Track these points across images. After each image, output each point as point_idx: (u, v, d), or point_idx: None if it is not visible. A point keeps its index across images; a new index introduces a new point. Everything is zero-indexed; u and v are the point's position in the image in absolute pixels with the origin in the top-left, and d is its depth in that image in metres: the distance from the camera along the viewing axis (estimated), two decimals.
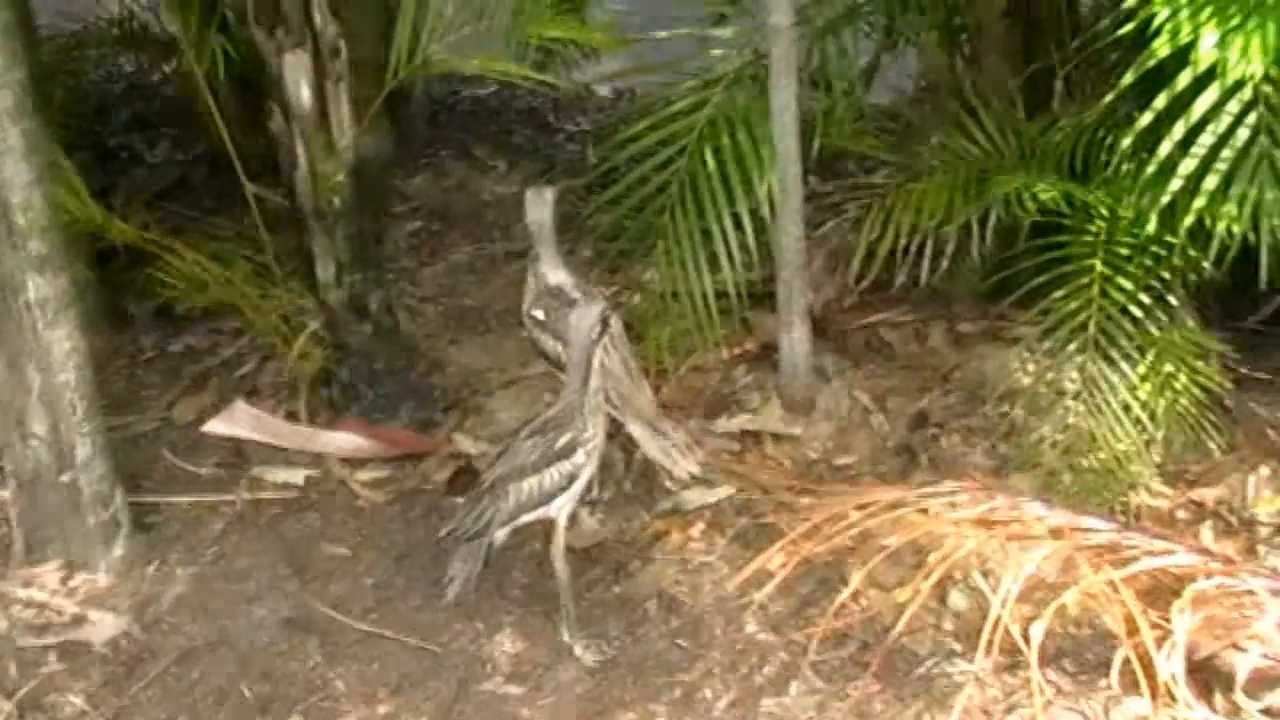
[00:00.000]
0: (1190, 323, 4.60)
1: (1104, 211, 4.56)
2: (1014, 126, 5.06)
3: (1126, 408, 4.52)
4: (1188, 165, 4.06)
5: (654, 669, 3.86)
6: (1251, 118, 4.04)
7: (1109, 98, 4.37)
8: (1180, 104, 4.08)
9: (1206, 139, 4.01)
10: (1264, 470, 4.59)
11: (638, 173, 4.75)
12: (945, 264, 4.91)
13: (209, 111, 5.02)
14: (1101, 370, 4.54)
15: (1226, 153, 4.04)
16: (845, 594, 3.87)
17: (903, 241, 4.90)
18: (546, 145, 6.77)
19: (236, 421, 4.57)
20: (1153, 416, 4.46)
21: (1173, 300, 4.54)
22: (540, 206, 4.20)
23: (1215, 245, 4.22)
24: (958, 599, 4.13)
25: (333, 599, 4.03)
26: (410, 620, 3.97)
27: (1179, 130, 4.01)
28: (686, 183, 4.68)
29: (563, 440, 3.67)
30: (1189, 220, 4.17)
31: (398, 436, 4.58)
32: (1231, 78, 3.95)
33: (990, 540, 4.06)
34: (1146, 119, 4.04)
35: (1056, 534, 3.61)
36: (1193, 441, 4.55)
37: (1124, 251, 4.50)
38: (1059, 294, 4.51)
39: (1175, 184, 4.08)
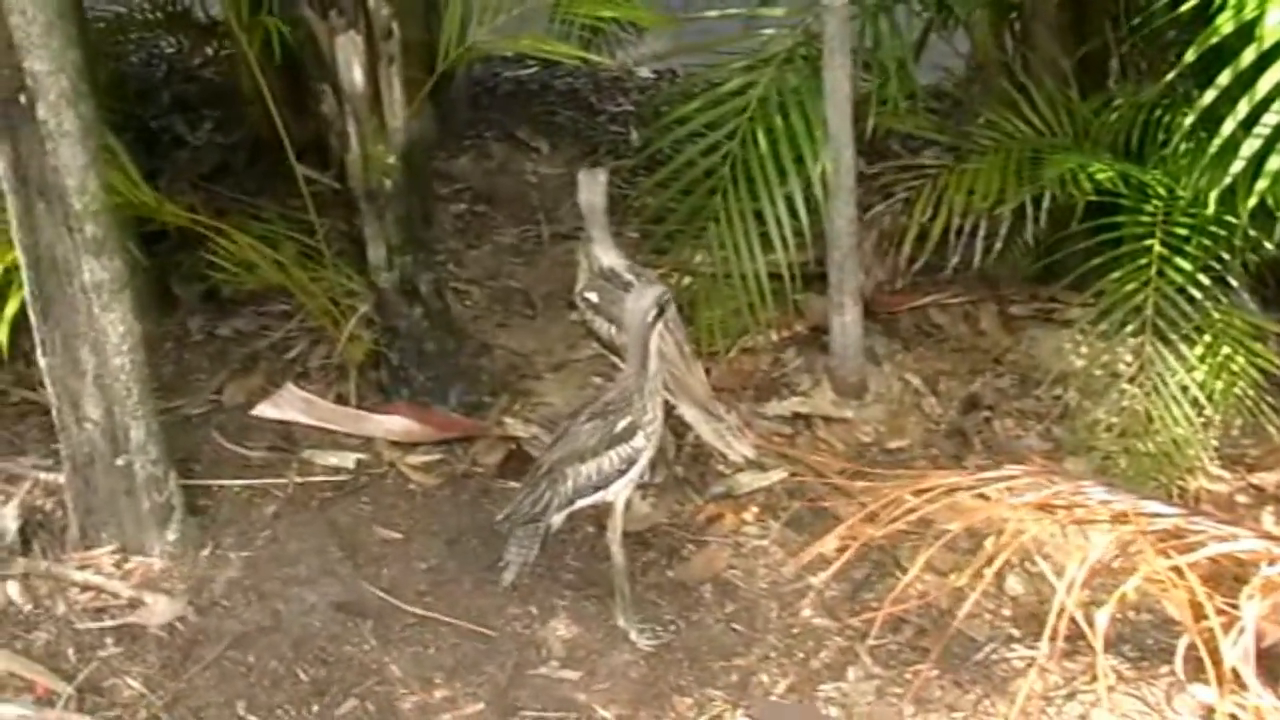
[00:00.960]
0: (1250, 304, 4.55)
1: (1161, 191, 4.51)
2: (1067, 106, 5.01)
3: (1184, 389, 4.47)
4: (1251, 145, 3.98)
5: (709, 654, 3.84)
6: None
7: (1169, 76, 4.32)
8: (1243, 82, 4.02)
9: (1271, 118, 3.93)
10: None
11: (687, 154, 4.71)
12: (998, 246, 4.86)
13: (253, 94, 5.02)
14: (1158, 351, 4.50)
15: None
16: (906, 579, 3.85)
17: (955, 223, 4.85)
18: (589, 127, 6.73)
19: (286, 405, 4.56)
20: (1210, 399, 4.41)
21: (1232, 281, 4.50)
22: (593, 188, 4.17)
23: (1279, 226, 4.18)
24: (1015, 584, 4.10)
25: (386, 583, 4.01)
26: (464, 604, 3.95)
27: (1243, 109, 3.93)
28: (738, 163, 4.64)
29: (622, 424, 3.64)
30: (1252, 201, 4.11)
31: (448, 420, 4.56)
32: None
33: (1049, 525, 4.03)
34: (1209, 97, 3.96)
35: (1119, 519, 3.56)
36: (1251, 425, 4.51)
37: (1182, 232, 4.45)
38: (1115, 275, 4.46)
39: (1237, 164, 3.99)
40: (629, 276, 4.23)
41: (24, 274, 3.74)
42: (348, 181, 4.16)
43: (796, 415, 4.70)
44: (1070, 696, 3.73)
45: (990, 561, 3.71)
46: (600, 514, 3.90)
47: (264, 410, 4.55)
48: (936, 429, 4.74)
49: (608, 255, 4.22)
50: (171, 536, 3.99)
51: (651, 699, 3.68)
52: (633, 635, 3.84)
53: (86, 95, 3.54)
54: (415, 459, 4.52)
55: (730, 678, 3.77)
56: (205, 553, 4.06)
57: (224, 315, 5.12)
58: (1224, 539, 3.49)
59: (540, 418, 4.71)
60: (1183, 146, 4.59)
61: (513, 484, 4.41)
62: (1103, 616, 3.49)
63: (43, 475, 4.19)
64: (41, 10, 3.38)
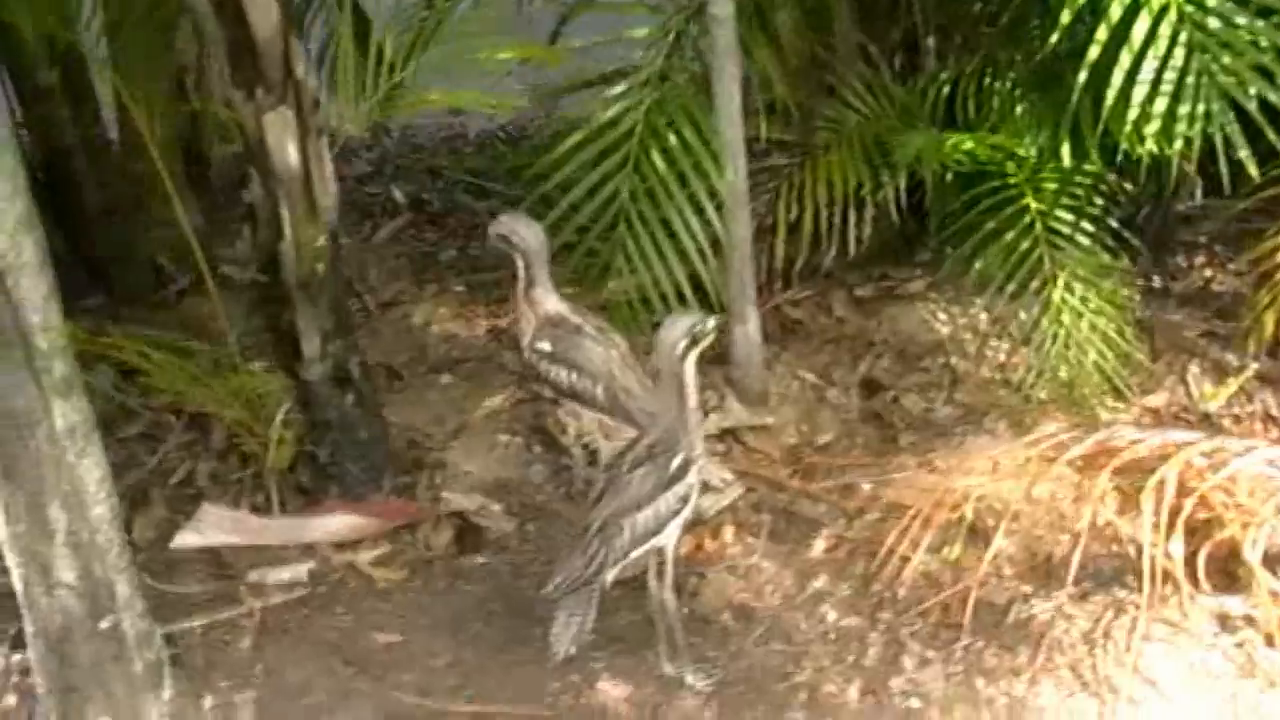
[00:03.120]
0: (1096, 245, 4.86)
1: (1022, 154, 4.76)
2: (885, 90, 5.20)
3: (1054, 337, 4.73)
4: (1139, 92, 4.27)
5: (766, 678, 3.79)
6: (1183, 37, 4.28)
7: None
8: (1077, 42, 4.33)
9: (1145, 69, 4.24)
10: (1193, 369, 4.90)
11: (585, 184, 4.61)
12: (859, 233, 5.00)
13: None
14: (1021, 305, 4.78)
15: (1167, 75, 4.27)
16: (913, 561, 3.92)
17: (818, 218, 4.97)
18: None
19: (209, 528, 4.16)
20: (1079, 339, 4.67)
21: (1087, 227, 4.80)
22: (531, 230, 4.03)
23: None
24: (1003, 543, 4.20)
25: (414, 689, 3.74)
26: (505, 690, 3.74)
27: (1125, 59, 4.21)
28: (638, 188, 4.57)
29: (675, 463, 3.53)
30: (1125, 145, 4.42)
31: (389, 507, 4.29)
32: (1157, 4, 4.21)
33: (1009, 484, 4.21)
34: (1094, 54, 4.22)
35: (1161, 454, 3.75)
36: (1121, 356, 4.78)
37: (1051, 187, 4.72)
38: (1007, 237, 4.71)
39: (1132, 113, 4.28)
40: (577, 320, 4.10)
41: None
42: (280, 274, 3.81)
43: (724, 431, 4.67)
44: (1106, 635, 3.86)
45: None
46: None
47: (186, 539, 4.15)
48: (852, 418, 4.82)
49: (551, 300, 4.08)
50: (167, 695, 3.57)
51: None
52: (689, 679, 3.73)
53: (39, 220, 3.11)
54: (366, 555, 4.23)
55: (800, 696, 3.72)
56: (209, 703, 3.65)
57: None
58: (1243, 454, 3.70)
59: (468, 487, 4.50)
60: (1018, 109, 4.87)
61: (478, 560, 4.24)
62: (1177, 546, 3.64)
63: None
64: None
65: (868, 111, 5.12)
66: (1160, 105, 4.26)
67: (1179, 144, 4.29)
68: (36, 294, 3.12)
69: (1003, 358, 5.06)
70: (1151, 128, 4.28)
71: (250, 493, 4.36)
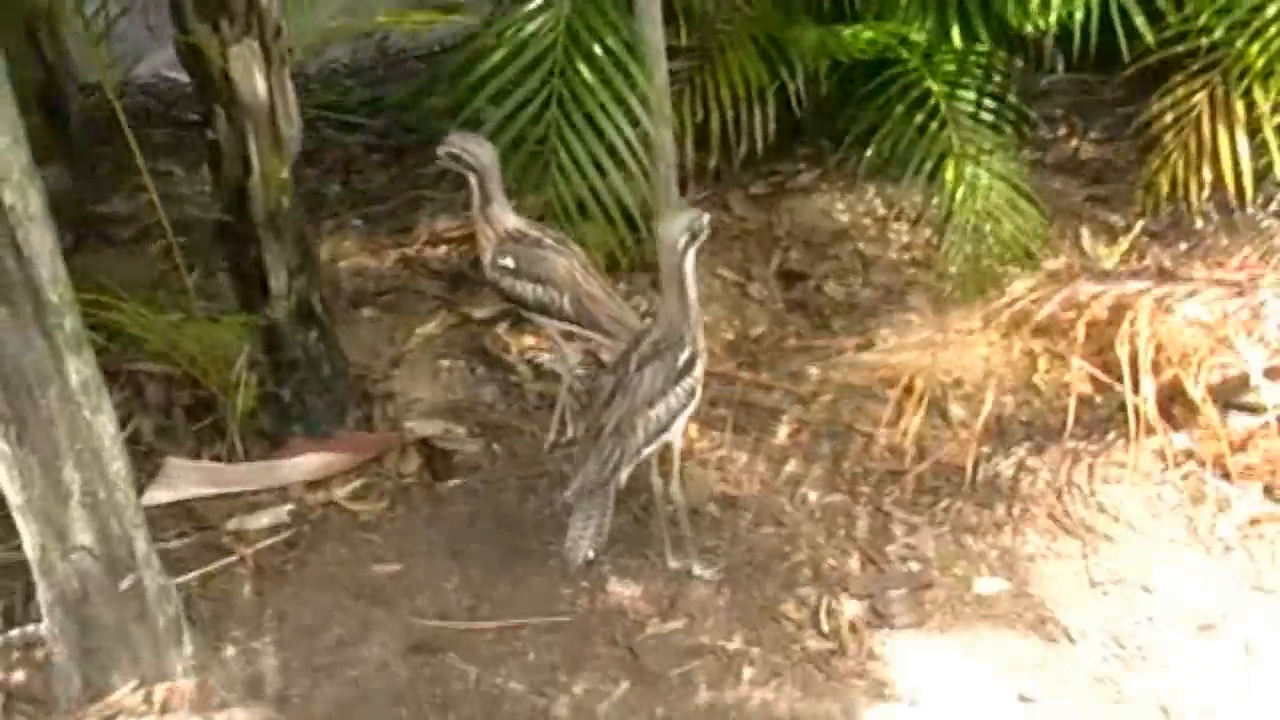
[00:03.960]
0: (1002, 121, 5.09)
1: (916, 40, 4.93)
2: None
3: (962, 214, 4.95)
4: None
5: (769, 559, 3.90)
6: None
7: None
8: None
9: None
10: (1084, 232, 5.19)
11: (517, 97, 4.57)
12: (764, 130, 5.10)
13: None
14: (916, 187, 4.99)
15: None
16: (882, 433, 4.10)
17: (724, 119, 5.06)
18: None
19: (179, 482, 4.05)
20: (985, 212, 4.90)
21: (989, 104, 5.02)
22: (482, 148, 4.01)
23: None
24: (957, 410, 4.41)
25: (432, 613, 3.73)
26: (520, 603, 3.76)
27: None
28: (566, 99, 4.57)
29: (682, 357, 3.59)
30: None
31: (358, 441, 4.24)
32: None
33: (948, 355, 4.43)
34: None
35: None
36: (1020, 225, 5.02)
37: (950, 69, 4.91)
38: (915, 121, 4.87)
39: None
40: (535, 233, 4.11)
41: None
42: (247, 211, 3.71)
43: None
44: (1069, 484, 4.11)
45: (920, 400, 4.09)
46: None
47: (156, 496, 4.02)
48: (778, 308, 4.95)
49: (509, 217, 4.08)
50: (188, 649, 3.50)
51: (757, 616, 3.70)
52: (696, 570, 3.82)
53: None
54: (342, 491, 4.19)
55: (804, 572, 3.85)
56: (231, 653, 3.58)
57: None
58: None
59: (423, 411, 4.48)
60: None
61: (453, 483, 4.23)
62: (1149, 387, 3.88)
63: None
64: None
65: (752, 12, 5.17)
66: None
67: (1079, 16, 4.48)
68: (44, 247, 3.00)
69: (906, 239, 5.25)
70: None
71: (209, 443, 4.25)
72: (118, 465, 3.24)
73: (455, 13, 4.02)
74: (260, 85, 3.57)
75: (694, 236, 3.55)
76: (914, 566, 3.85)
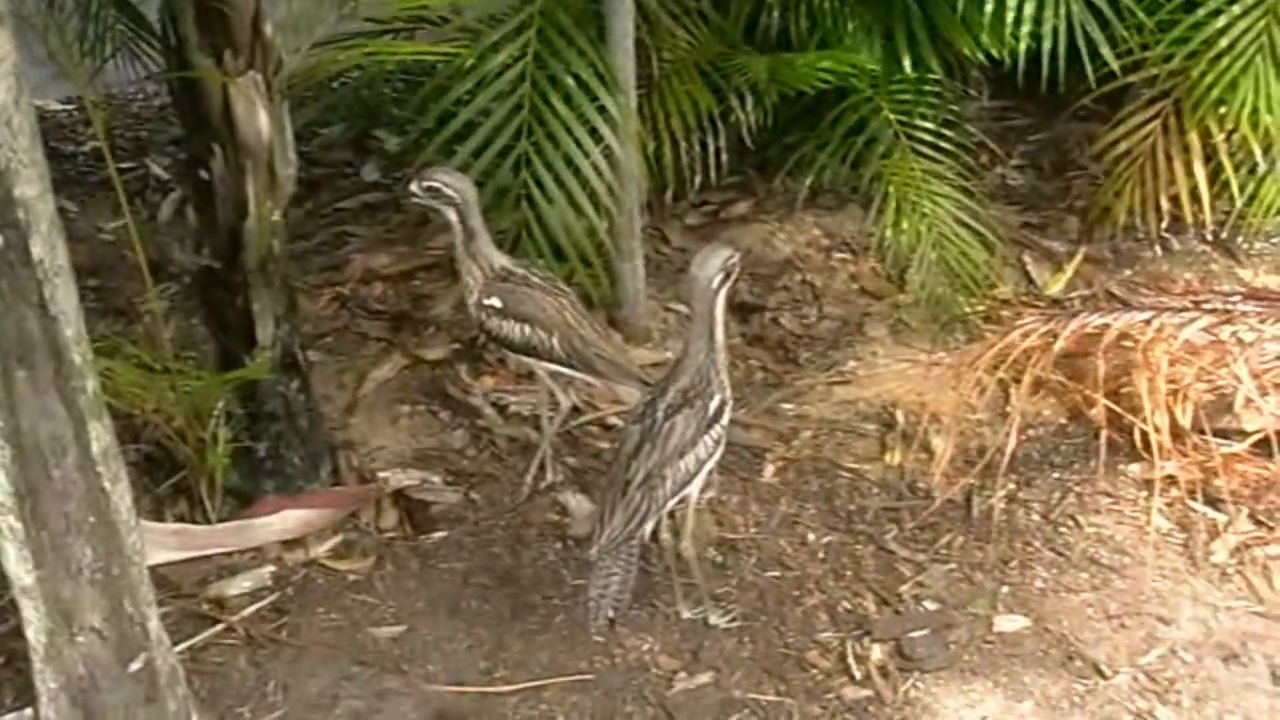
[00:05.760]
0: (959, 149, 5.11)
1: (872, 69, 4.92)
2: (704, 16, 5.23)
3: (915, 243, 4.95)
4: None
5: (781, 605, 3.83)
6: None
7: None
8: None
9: None
10: (1027, 258, 5.24)
11: (487, 128, 4.39)
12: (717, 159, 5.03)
13: None
14: (851, 215, 4.99)
15: None
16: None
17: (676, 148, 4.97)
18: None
19: (150, 546, 3.65)
20: (935, 240, 4.92)
21: (947, 132, 5.03)
22: (463, 183, 3.84)
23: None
24: (938, 442, 4.38)
25: (446, 678, 3.54)
26: (537, 664, 3.60)
27: None
28: (536, 127, 4.41)
29: (713, 404, 3.46)
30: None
31: (333, 496, 4.01)
32: None
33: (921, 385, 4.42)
34: None
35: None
36: (967, 254, 5.05)
37: (906, 98, 4.91)
38: (880, 151, 4.86)
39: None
40: (522, 271, 3.96)
41: None
42: (240, 256, 3.45)
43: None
44: (1064, 514, 4.11)
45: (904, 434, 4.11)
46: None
47: None
48: (737, 341, 4.85)
49: (495, 254, 3.92)
50: None
51: (784, 665, 3.62)
52: (713, 620, 3.72)
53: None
54: (322, 550, 3.96)
55: (821, 616, 3.79)
56: None
57: None
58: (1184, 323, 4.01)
59: (388, 461, 4.28)
60: (849, 27, 5.02)
61: (437, 535, 4.04)
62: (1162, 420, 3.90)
63: None
64: (27, 119, 2.55)
65: (693, 41, 5.10)
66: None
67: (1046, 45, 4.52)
68: (70, 304, 2.73)
69: (852, 269, 5.22)
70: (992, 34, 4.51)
71: (171, 503, 3.97)
72: (133, 538, 2.97)
73: (443, 45, 3.81)
74: (264, 123, 3.32)
75: (728, 276, 3.43)
76: (930, 606, 3.80)
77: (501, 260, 3.89)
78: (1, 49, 2.41)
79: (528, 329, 3.87)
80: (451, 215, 3.84)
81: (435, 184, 3.83)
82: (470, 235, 3.83)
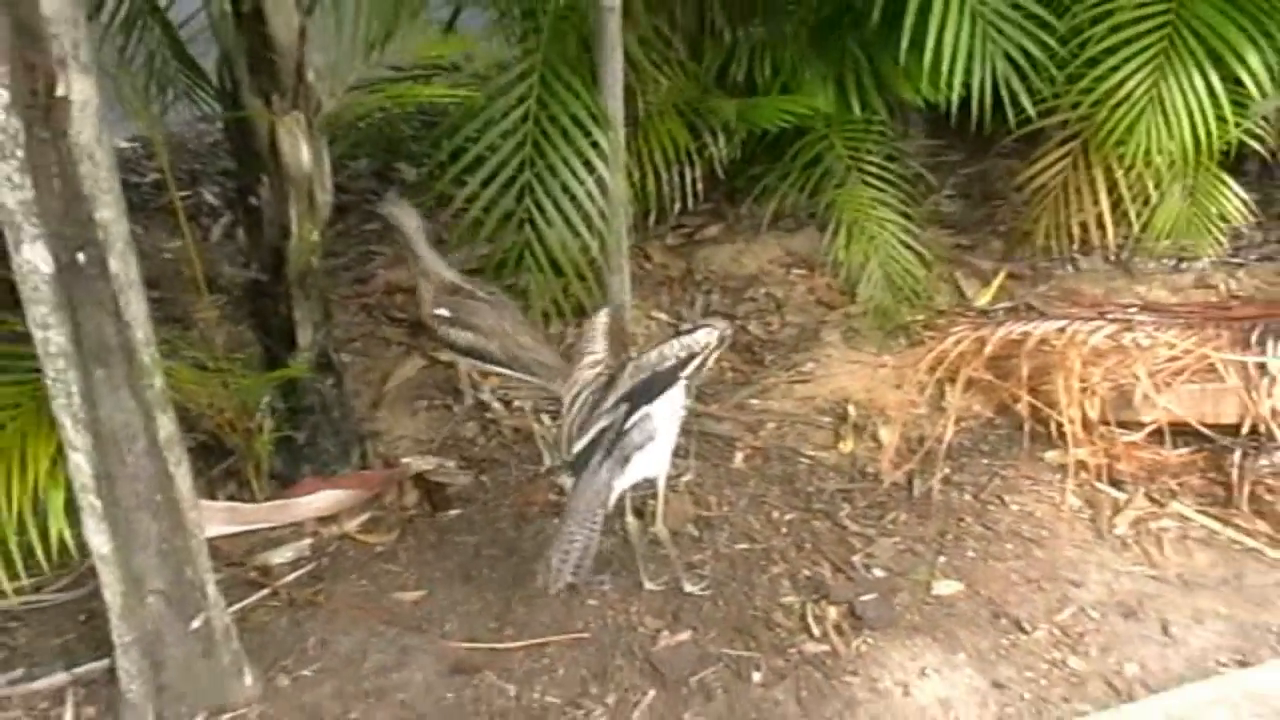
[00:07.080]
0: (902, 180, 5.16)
1: (825, 110, 4.97)
2: (681, 64, 5.27)
3: (863, 260, 5.00)
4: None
5: (751, 573, 3.85)
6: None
7: None
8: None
9: None
10: (959, 275, 5.29)
11: (491, 164, 4.43)
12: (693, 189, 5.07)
13: None
14: (809, 237, 5.03)
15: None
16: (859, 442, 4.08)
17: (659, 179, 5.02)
18: None
19: (210, 520, 3.75)
20: (881, 259, 4.97)
21: (893, 166, 5.08)
22: (408, 214, 3.92)
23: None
24: (885, 434, 4.43)
25: (460, 636, 3.57)
26: (539, 624, 3.62)
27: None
28: (536, 164, 4.45)
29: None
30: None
31: (364, 478, 4.04)
32: None
33: (870, 383, 4.46)
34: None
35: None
36: (907, 271, 5.10)
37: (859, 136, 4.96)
38: (835, 182, 4.91)
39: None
40: (469, 287, 4.05)
41: (77, 460, 2.84)
42: (282, 270, 3.49)
43: None
44: (993, 494, 4.16)
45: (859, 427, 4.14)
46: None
47: None
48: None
49: (445, 271, 4.02)
50: (248, 681, 3.28)
51: (753, 624, 3.64)
52: (687, 587, 3.74)
53: None
54: (353, 525, 3.98)
55: (785, 582, 3.81)
56: (285, 683, 3.37)
57: None
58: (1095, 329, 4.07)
59: (407, 449, 4.31)
60: (807, 75, 5.07)
61: (453, 513, 4.07)
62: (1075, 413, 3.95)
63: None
64: (107, 154, 2.58)
65: (673, 86, 5.14)
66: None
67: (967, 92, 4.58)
68: (140, 312, 2.77)
69: (809, 284, 5.27)
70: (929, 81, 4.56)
71: (222, 485, 3.99)
72: (194, 514, 3.01)
73: (456, 89, 3.86)
74: (305, 156, 3.36)
75: (721, 343, 3.44)
76: (879, 573, 3.84)
77: (451, 276, 3.98)
78: (87, 95, 2.45)
79: (472, 335, 3.95)
80: (400, 240, 3.92)
81: (385, 213, 3.94)
82: (417, 257, 3.91)
